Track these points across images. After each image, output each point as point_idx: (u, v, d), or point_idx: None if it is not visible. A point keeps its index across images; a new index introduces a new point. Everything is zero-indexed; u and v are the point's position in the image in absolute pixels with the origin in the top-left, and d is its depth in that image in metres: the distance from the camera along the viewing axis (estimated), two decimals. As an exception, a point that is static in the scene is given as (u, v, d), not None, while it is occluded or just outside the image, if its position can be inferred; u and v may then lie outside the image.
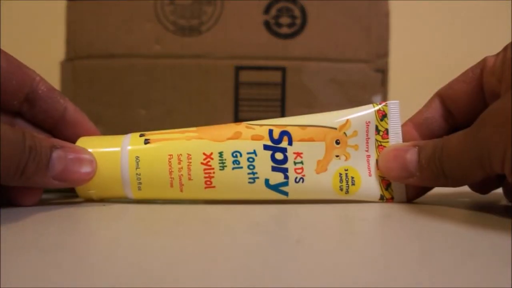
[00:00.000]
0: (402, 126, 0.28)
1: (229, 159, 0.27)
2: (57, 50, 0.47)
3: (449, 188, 0.28)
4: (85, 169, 0.26)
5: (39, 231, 0.21)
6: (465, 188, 0.28)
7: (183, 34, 0.45)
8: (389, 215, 0.25)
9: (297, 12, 0.45)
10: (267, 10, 0.45)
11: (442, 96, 0.28)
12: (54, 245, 0.19)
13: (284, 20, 0.45)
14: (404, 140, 0.28)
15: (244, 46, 0.46)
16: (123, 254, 0.18)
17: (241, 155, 0.27)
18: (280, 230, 0.22)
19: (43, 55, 0.53)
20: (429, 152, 0.25)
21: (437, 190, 0.28)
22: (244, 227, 0.22)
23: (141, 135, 0.28)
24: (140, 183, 0.27)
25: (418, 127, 0.28)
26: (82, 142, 0.27)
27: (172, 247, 0.19)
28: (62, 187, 0.26)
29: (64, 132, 0.29)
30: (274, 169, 0.27)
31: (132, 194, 0.27)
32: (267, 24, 0.45)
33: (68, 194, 0.29)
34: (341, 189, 0.27)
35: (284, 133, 0.27)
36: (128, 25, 0.45)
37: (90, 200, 0.28)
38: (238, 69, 0.45)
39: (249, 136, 0.27)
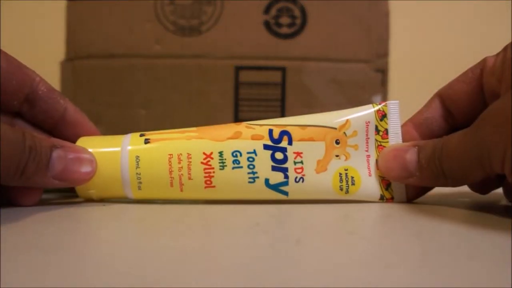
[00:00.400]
0: (402, 126, 0.28)
1: (229, 159, 0.27)
2: (57, 50, 0.47)
3: (449, 188, 0.28)
4: (85, 168, 0.26)
5: (39, 231, 0.21)
6: (465, 188, 0.28)
7: (183, 34, 0.45)
8: (389, 215, 0.25)
9: (297, 12, 0.45)
10: (267, 10, 0.45)
11: (442, 96, 0.28)
12: (54, 245, 0.19)
13: (284, 20, 0.45)
14: (404, 140, 0.28)
15: (244, 46, 0.45)
16: (123, 254, 0.18)
17: (241, 155, 0.27)
18: (280, 230, 0.22)
19: (43, 55, 0.53)
20: (428, 152, 0.25)
21: (437, 190, 0.28)
22: (244, 227, 0.22)
23: (141, 135, 0.28)
24: (140, 182, 0.27)
25: (418, 127, 0.28)
26: (82, 142, 0.27)
27: (172, 247, 0.19)
28: (62, 186, 0.26)
29: (64, 132, 0.29)
30: (274, 168, 0.27)
31: (132, 194, 0.27)
32: (267, 24, 0.45)
33: (68, 194, 0.29)
34: (341, 189, 0.27)
35: (284, 132, 0.27)
36: (128, 25, 0.45)
37: (90, 200, 0.28)
38: (238, 69, 0.45)
39: (249, 135, 0.27)
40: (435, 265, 0.16)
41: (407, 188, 0.28)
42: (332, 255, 0.18)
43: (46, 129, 0.29)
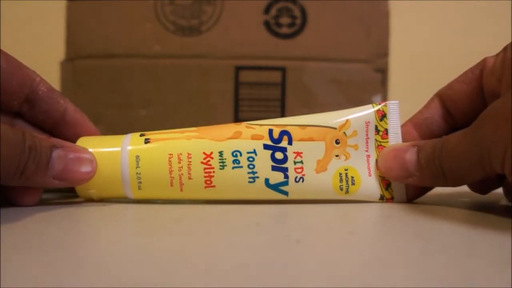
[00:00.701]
0: (402, 126, 0.28)
1: (229, 159, 0.27)
2: (57, 50, 0.47)
3: (449, 188, 0.28)
4: (85, 168, 0.26)
5: (39, 231, 0.21)
6: (465, 188, 0.28)
7: (183, 34, 0.45)
8: (389, 215, 0.25)
9: (297, 12, 0.45)
10: (267, 10, 0.45)
11: (441, 97, 0.28)
12: (54, 245, 0.19)
13: (284, 20, 0.45)
14: (403, 140, 0.28)
15: (244, 46, 0.45)
16: (123, 254, 0.18)
17: (241, 155, 0.27)
18: (280, 230, 0.22)
19: (43, 55, 0.53)
20: (428, 152, 0.25)
21: (437, 190, 0.28)
22: (244, 227, 0.22)
23: (141, 135, 0.28)
24: (140, 182, 0.27)
25: (417, 127, 0.28)
26: (82, 142, 0.27)
27: (172, 247, 0.19)
28: (62, 186, 0.26)
29: (64, 132, 0.29)
30: (274, 168, 0.27)
31: (132, 193, 0.27)
32: (267, 24, 0.45)
33: (68, 194, 0.29)
34: (341, 189, 0.27)
35: (284, 132, 0.27)
36: (128, 25, 0.45)
37: (90, 200, 0.28)
38: (238, 69, 0.45)
39: (249, 135, 0.27)
40: (435, 265, 0.16)
41: (407, 188, 0.28)
42: (332, 255, 0.18)
43: (46, 129, 0.29)
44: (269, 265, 0.16)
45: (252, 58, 0.46)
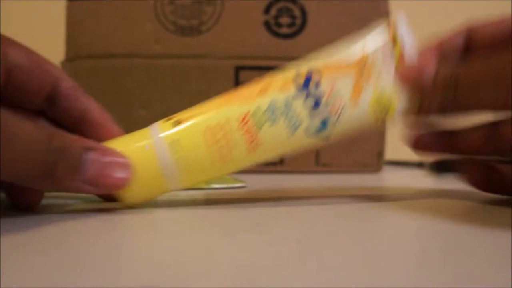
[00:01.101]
0: (423, 49, 0.28)
1: (265, 116, 0.26)
2: (57, 50, 0.47)
3: (448, 188, 0.28)
4: (121, 174, 0.24)
5: (39, 232, 0.21)
6: (465, 188, 0.28)
7: (183, 34, 0.45)
8: (389, 215, 0.25)
9: (297, 12, 0.45)
10: (267, 10, 0.45)
11: (471, 31, 0.29)
12: (54, 245, 0.19)
13: (284, 20, 0.45)
14: (422, 63, 0.28)
15: (244, 46, 0.45)
16: (123, 254, 0.18)
17: (275, 109, 0.26)
18: (280, 230, 0.22)
19: (43, 55, 0.53)
20: (446, 73, 0.26)
21: (436, 190, 0.28)
22: (244, 227, 0.22)
23: (167, 120, 0.26)
24: (182, 169, 0.25)
25: (438, 51, 0.28)
26: (108, 144, 0.25)
27: (172, 247, 0.19)
28: (95, 193, 0.24)
29: (86, 132, 0.27)
30: (310, 114, 0.26)
31: (178, 183, 0.25)
32: (267, 24, 0.45)
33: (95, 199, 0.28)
34: (378, 116, 0.27)
35: (309, 75, 0.26)
36: (128, 25, 0.45)
37: (133, 207, 0.26)
38: (238, 69, 0.45)
39: (277, 87, 0.26)
40: (435, 265, 0.16)
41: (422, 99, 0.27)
42: (332, 255, 0.18)
43: (69, 129, 0.27)
44: (269, 265, 0.16)
45: (252, 58, 0.46)
